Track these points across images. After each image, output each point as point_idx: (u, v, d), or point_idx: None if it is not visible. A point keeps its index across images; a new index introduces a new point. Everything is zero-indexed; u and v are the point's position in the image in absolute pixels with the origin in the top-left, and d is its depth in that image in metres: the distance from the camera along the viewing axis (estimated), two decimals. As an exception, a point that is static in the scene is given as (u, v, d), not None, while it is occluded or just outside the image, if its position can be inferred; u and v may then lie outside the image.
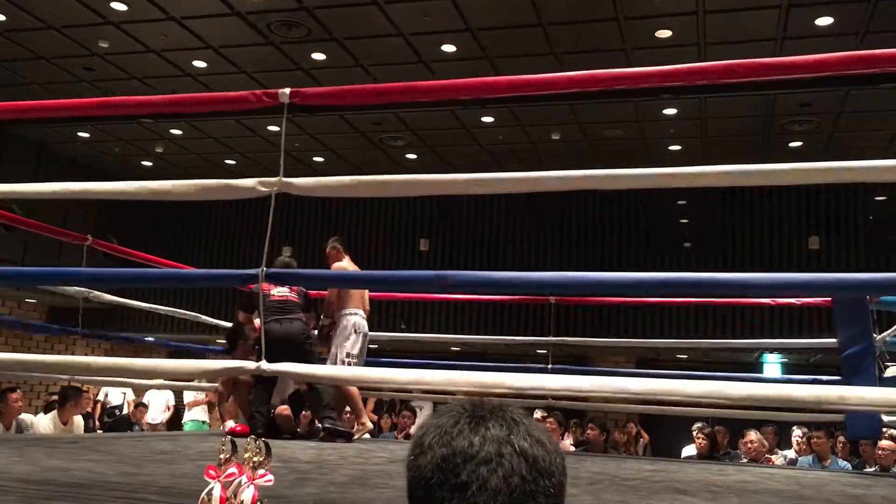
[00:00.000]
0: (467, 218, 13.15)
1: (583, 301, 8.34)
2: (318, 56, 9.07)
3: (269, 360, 4.47)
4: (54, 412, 6.70)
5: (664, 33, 8.06)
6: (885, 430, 5.61)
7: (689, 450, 7.40)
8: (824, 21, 7.65)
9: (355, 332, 5.31)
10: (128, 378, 6.87)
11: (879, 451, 6.26)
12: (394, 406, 9.80)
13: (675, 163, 11.80)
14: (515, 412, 1.01)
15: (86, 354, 13.72)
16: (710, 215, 12.10)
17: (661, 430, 10.20)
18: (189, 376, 6.70)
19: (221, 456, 2.14)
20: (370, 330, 5.68)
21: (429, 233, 13.35)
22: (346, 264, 5.54)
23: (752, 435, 6.83)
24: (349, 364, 5.22)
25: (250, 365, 3.15)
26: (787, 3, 7.36)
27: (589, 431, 7.71)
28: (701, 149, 11.08)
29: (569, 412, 8.04)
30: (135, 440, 4.68)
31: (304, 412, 5.88)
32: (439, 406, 7.42)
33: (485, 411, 1.00)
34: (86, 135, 12.01)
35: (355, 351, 5.29)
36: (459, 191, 3.10)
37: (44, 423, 6.65)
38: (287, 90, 3.08)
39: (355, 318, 5.35)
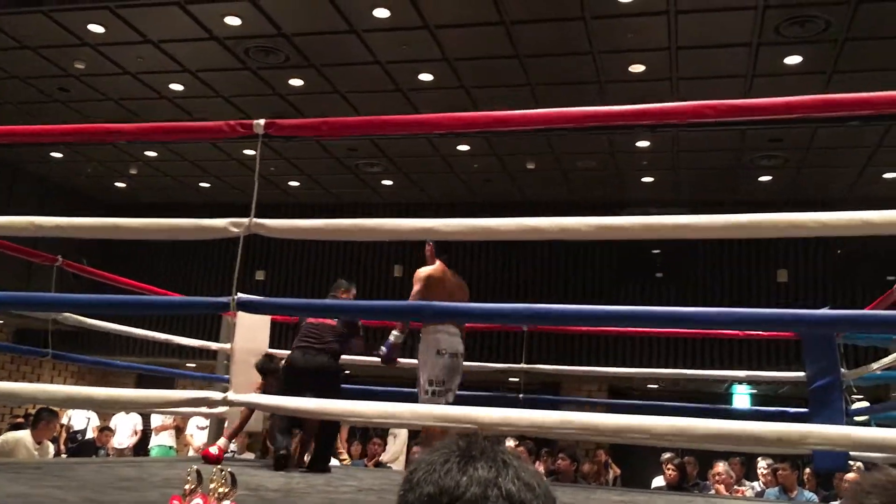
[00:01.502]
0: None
1: (555, 329, 8.37)
2: (296, 82, 9.10)
3: (290, 391, 4.26)
4: (27, 431, 6.63)
5: (637, 68, 8.18)
6: (851, 462, 5.67)
7: (659, 481, 7.42)
8: (793, 60, 7.83)
9: (438, 353, 4.22)
10: (93, 408, 6.78)
11: (846, 484, 6.30)
12: (366, 432, 9.74)
13: (648, 193, 11.89)
14: (507, 453, 0.99)
15: (52, 377, 13.52)
16: (682, 246, 12.22)
17: (631, 460, 10.22)
18: (153, 406, 6.60)
19: (186, 486, 2.11)
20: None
21: (402, 259, 13.35)
22: (433, 270, 4.47)
23: (720, 466, 6.87)
24: (434, 393, 4.18)
25: (216, 395, 3.08)
26: (757, 41, 7.52)
27: (559, 462, 7.69)
28: (672, 180, 11.22)
29: (540, 440, 8.03)
30: (100, 466, 4.61)
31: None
32: (415, 434, 7.35)
33: (476, 450, 0.98)
34: (58, 155, 11.90)
35: (441, 376, 4.22)
36: (430, 237, 3.11)
37: (11, 439, 6.57)
38: (262, 121, 3.08)
39: (442, 335, 4.25)
